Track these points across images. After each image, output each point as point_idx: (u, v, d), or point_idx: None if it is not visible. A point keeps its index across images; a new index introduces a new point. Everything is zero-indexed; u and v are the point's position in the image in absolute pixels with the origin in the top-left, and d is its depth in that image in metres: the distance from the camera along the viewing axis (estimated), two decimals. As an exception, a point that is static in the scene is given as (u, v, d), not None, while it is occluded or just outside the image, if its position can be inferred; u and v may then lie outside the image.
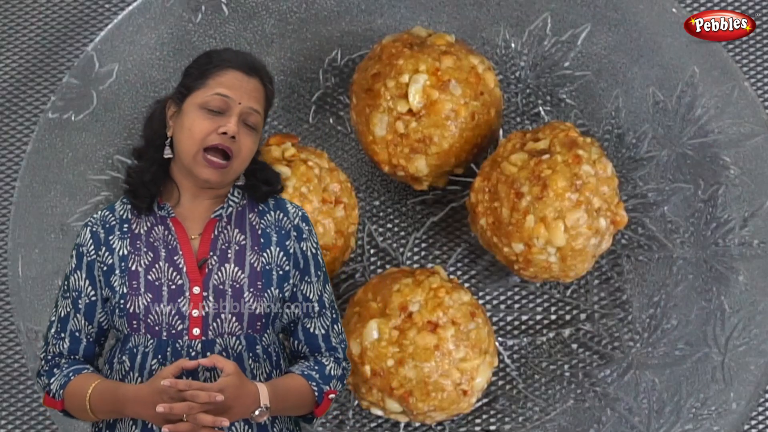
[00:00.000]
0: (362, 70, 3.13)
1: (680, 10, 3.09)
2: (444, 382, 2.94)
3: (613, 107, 3.17)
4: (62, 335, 2.33)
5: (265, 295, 2.29)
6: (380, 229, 3.26)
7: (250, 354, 2.28)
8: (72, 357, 2.33)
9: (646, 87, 3.13)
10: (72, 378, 2.28)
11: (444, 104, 3.02)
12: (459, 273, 3.25)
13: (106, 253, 2.31)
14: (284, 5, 3.22)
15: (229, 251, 2.30)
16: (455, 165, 3.10)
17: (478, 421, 3.17)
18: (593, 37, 3.18)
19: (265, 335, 2.32)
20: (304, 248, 2.35)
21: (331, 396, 2.33)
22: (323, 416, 3.08)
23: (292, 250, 2.33)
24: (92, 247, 2.33)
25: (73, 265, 2.34)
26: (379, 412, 3.03)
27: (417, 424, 3.16)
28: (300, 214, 2.37)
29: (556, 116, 3.24)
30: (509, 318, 3.22)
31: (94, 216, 2.37)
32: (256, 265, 2.30)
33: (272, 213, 2.36)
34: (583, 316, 3.19)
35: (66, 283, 2.35)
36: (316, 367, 2.33)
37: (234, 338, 2.27)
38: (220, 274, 2.28)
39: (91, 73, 3.13)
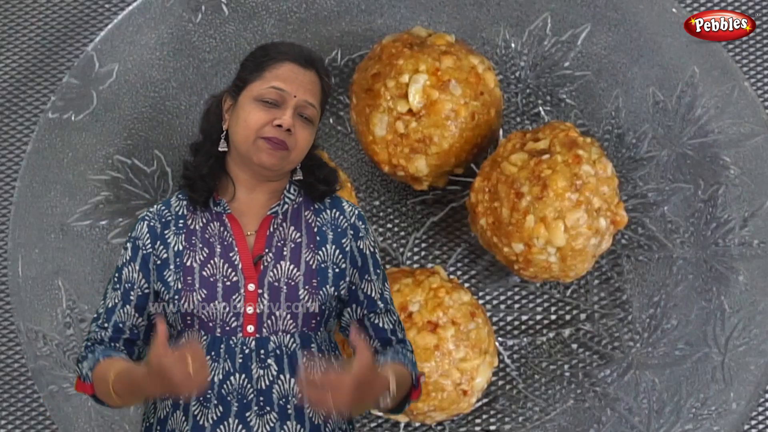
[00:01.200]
0: (362, 70, 3.13)
1: (680, 10, 3.09)
2: (444, 382, 2.94)
3: (613, 107, 3.17)
4: (105, 325, 2.31)
5: (320, 293, 2.28)
6: (380, 229, 3.26)
7: (305, 352, 2.27)
8: (111, 344, 2.31)
9: (646, 87, 3.13)
10: (101, 360, 2.25)
11: (444, 104, 3.02)
12: (459, 273, 3.25)
13: (161, 247, 2.30)
14: (284, 5, 3.23)
15: (285, 249, 2.29)
16: (455, 165, 3.10)
17: (478, 421, 3.17)
18: (593, 37, 3.18)
19: (319, 333, 2.31)
20: (362, 246, 2.35)
21: (422, 378, 2.32)
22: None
23: (348, 248, 2.33)
24: (148, 240, 2.32)
25: (128, 257, 2.33)
26: (380, 412, 3.03)
27: (417, 424, 3.16)
28: (356, 212, 2.37)
29: (556, 116, 3.24)
30: (509, 318, 3.22)
31: (150, 210, 2.35)
32: (311, 262, 2.29)
33: (328, 211, 2.35)
34: (583, 316, 3.19)
35: (117, 274, 2.34)
36: (401, 354, 2.31)
37: (288, 336, 2.26)
38: (275, 271, 2.27)
39: (91, 73, 3.13)
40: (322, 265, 2.29)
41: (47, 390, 3.05)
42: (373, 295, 2.34)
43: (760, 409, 3.18)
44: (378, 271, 2.36)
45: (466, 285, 3.23)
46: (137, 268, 2.31)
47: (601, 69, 3.19)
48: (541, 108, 3.26)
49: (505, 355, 3.18)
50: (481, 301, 3.21)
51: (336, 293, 2.30)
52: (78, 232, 3.14)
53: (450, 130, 3.04)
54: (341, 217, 2.35)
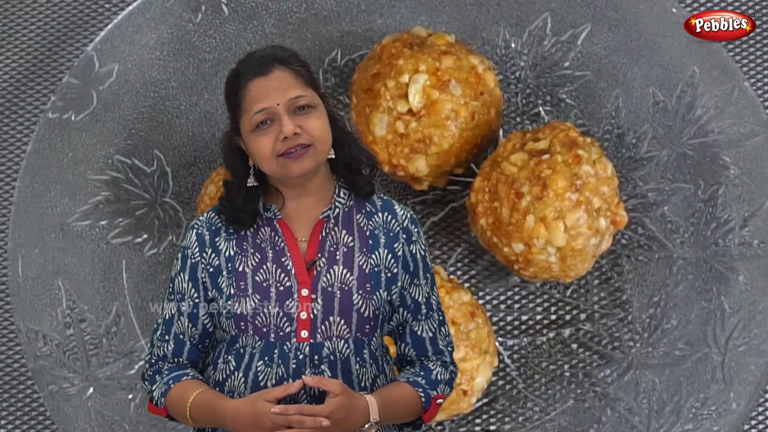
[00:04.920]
0: (362, 70, 3.13)
1: (680, 10, 3.09)
2: (444, 382, 2.94)
3: (613, 107, 3.17)
4: (166, 338, 2.31)
5: (374, 297, 2.26)
6: (380, 229, 3.26)
7: (357, 358, 2.25)
8: (176, 360, 2.31)
9: (646, 87, 3.13)
10: (172, 386, 2.26)
11: (444, 104, 3.02)
12: (459, 273, 3.25)
13: (213, 255, 2.29)
14: (284, 5, 3.23)
15: (338, 253, 2.27)
16: (455, 165, 3.10)
17: (478, 421, 3.17)
18: (593, 37, 3.18)
19: (373, 339, 2.29)
20: (414, 251, 2.32)
21: (439, 401, 2.31)
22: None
23: (400, 253, 2.30)
24: (197, 249, 2.30)
25: (178, 268, 2.32)
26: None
27: (417, 424, 3.16)
28: (408, 216, 2.34)
29: (556, 116, 3.24)
30: (509, 318, 3.22)
31: (200, 218, 2.33)
32: (364, 267, 2.27)
33: (380, 214, 2.32)
34: (583, 316, 3.19)
35: (171, 285, 2.33)
36: (422, 373, 2.31)
37: (342, 341, 2.24)
38: (328, 276, 2.25)
39: (91, 73, 3.13)
40: (375, 269, 2.27)
41: (47, 390, 3.05)
42: (419, 299, 2.32)
43: (760, 409, 3.18)
44: (428, 275, 2.34)
45: (466, 285, 3.23)
46: (186, 278, 2.30)
47: (601, 69, 3.19)
48: (541, 108, 3.26)
49: (505, 355, 3.18)
50: (481, 301, 3.21)
51: (388, 297, 2.28)
52: (78, 232, 3.14)
53: (450, 130, 3.04)
54: (393, 220, 2.32)
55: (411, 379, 2.29)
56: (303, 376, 2.18)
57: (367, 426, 2.18)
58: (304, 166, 2.23)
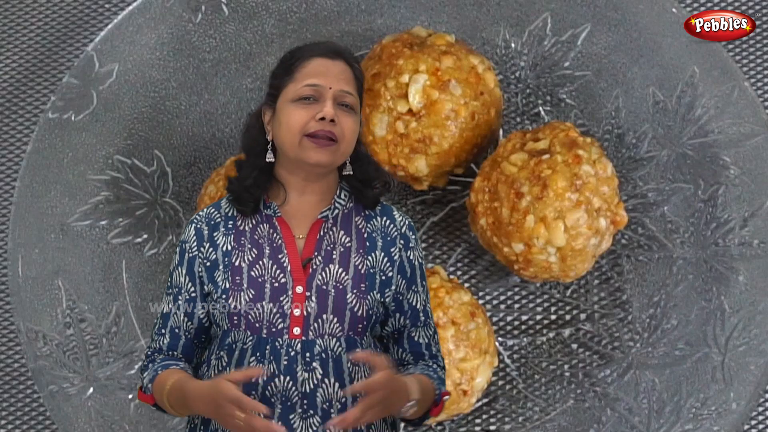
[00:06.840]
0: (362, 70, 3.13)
1: (680, 10, 3.09)
2: (444, 382, 2.94)
3: (613, 107, 3.18)
4: (163, 331, 2.32)
5: (368, 297, 2.27)
6: (380, 229, 3.26)
7: (350, 356, 2.25)
8: (170, 353, 2.32)
9: (646, 87, 3.13)
10: (159, 372, 2.27)
11: (444, 104, 3.02)
12: (459, 273, 3.25)
13: (210, 249, 2.30)
14: (284, 5, 3.23)
15: (334, 252, 2.28)
16: (455, 165, 3.10)
17: (478, 421, 3.17)
18: (593, 37, 3.18)
19: (365, 338, 2.30)
20: (411, 257, 2.34)
21: (446, 397, 2.33)
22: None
23: (397, 257, 2.32)
24: (195, 243, 2.32)
25: (176, 262, 2.34)
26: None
27: (417, 424, 3.17)
28: (407, 222, 2.36)
29: (556, 116, 3.24)
30: (509, 318, 3.22)
31: (200, 213, 2.36)
32: (360, 267, 2.28)
33: (378, 218, 2.34)
34: (583, 316, 3.19)
35: (170, 279, 2.35)
36: (431, 368, 2.33)
37: (334, 340, 2.25)
38: (324, 274, 2.27)
39: (91, 73, 3.13)
40: (371, 271, 2.29)
41: (47, 390, 3.05)
42: (417, 306, 2.34)
43: (760, 409, 3.18)
44: (424, 282, 2.36)
45: (466, 285, 3.23)
46: (184, 271, 2.32)
47: (601, 69, 3.19)
48: (541, 108, 3.26)
49: (505, 355, 3.18)
50: (481, 301, 3.21)
51: (382, 300, 2.30)
52: (78, 232, 3.14)
53: (450, 130, 3.04)
54: (392, 225, 2.34)
55: (426, 372, 2.29)
56: (357, 352, 2.17)
57: (408, 405, 2.18)
58: (321, 157, 2.25)
